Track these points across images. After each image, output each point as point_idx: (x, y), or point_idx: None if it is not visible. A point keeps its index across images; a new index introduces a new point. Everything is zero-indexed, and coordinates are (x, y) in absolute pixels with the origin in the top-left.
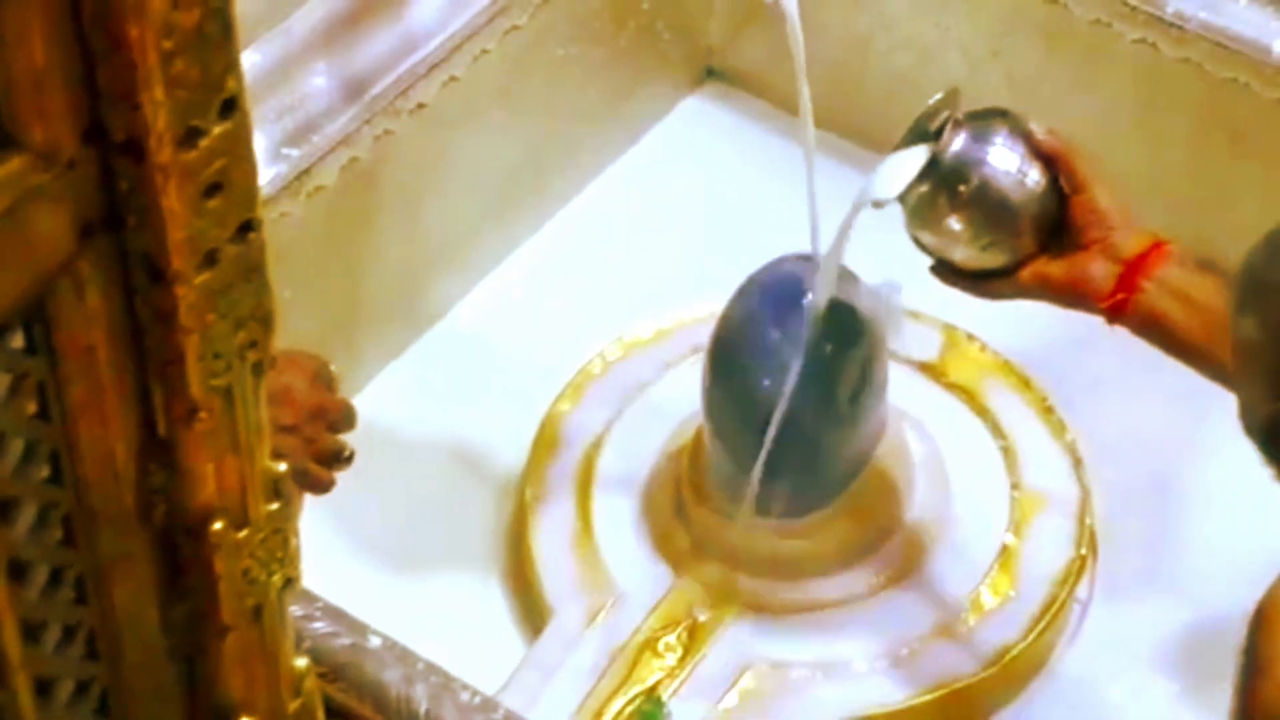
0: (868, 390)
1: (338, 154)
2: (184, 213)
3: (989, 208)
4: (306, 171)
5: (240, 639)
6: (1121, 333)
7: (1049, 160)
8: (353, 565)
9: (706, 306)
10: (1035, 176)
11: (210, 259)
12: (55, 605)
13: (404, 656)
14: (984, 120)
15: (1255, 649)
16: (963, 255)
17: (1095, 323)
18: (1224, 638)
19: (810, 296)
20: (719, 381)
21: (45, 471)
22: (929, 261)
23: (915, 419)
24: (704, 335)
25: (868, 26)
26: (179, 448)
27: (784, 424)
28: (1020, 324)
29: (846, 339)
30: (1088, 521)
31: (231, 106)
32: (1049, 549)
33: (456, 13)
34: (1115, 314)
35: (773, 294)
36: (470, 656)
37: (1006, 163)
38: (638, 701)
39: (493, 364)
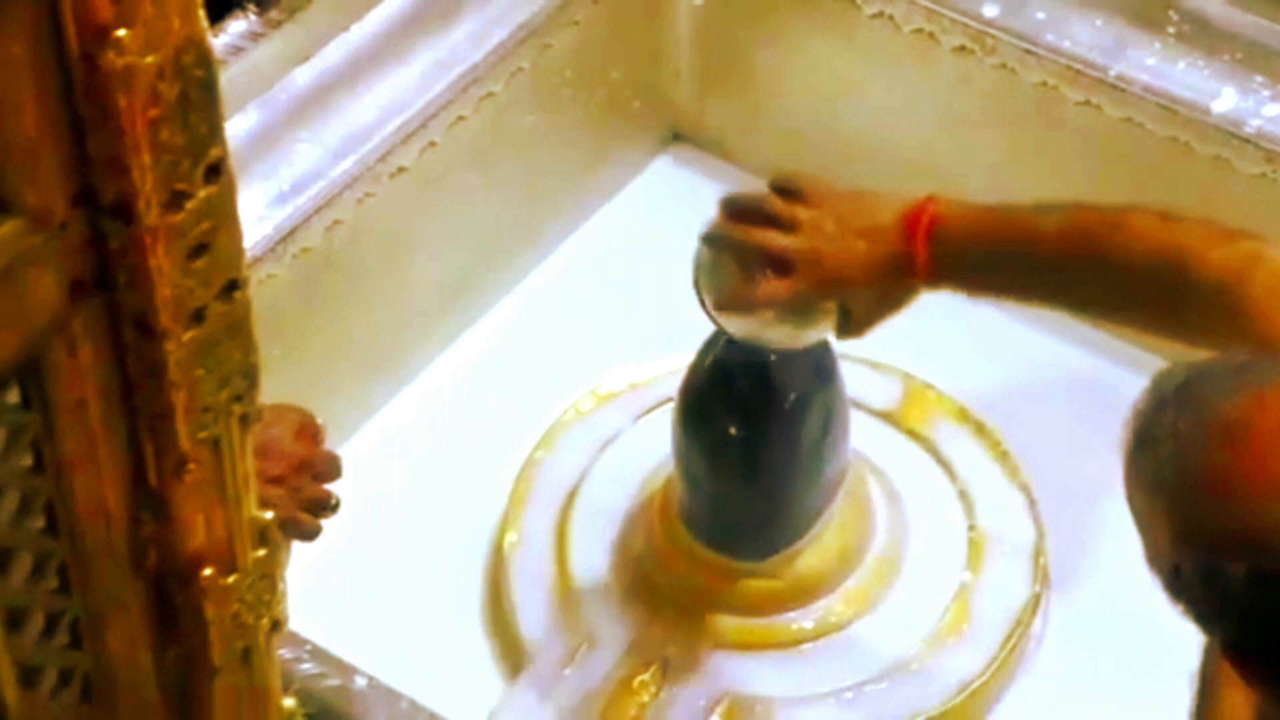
0: (830, 437)
1: (322, 216)
2: (172, 272)
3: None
4: (291, 234)
5: (230, 680)
6: (1072, 381)
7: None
8: (340, 609)
9: (675, 359)
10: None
11: (198, 317)
12: (51, 650)
13: (389, 696)
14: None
15: (1208, 675)
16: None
17: (1048, 372)
18: (1174, 670)
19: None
20: (688, 430)
21: (41, 522)
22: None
23: (876, 464)
24: (674, 387)
25: (828, 92)
26: (169, 498)
27: (751, 470)
28: (978, 372)
29: (810, 387)
30: (1042, 560)
31: (217, 171)
32: (1005, 586)
33: (434, 81)
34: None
35: (739, 344)
36: (453, 696)
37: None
38: None
39: (472, 415)
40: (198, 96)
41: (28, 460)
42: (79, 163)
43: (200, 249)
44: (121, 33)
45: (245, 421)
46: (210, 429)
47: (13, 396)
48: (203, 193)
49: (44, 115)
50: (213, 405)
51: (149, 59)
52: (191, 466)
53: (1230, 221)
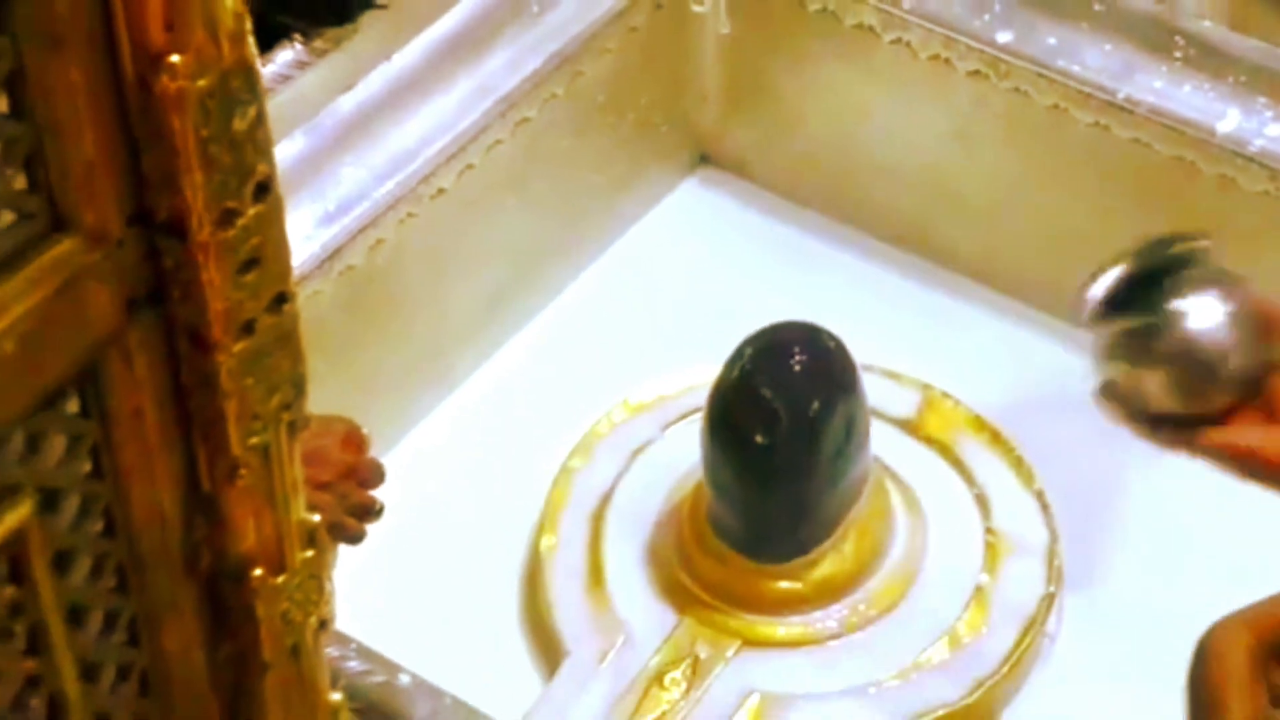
0: (852, 444)
1: (366, 236)
2: (223, 286)
3: (1184, 362)
4: (337, 252)
5: (280, 676)
6: (1085, 391)
7: (1259, 322)
8: (385, 610)
9: (703, 372)
10: (1236, 337)
11: (248, 328)
12: (110, 647)
13: (432, 693)
14: (1197, 274)
15: (1203, 688)
16: (1147, 398)
17: (1061, 381)
18: (1179, 668)
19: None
20: (716, 438)
21: (99, 525)
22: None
23: (896, 470)
24: (702, 398)
25: (849, 115)
26: (222, 502)
27: (776, 476)
28: (992, 382)
29: (832, 396)
30: (1056, 563)
31: (265, 189)
32: (1020, 587)
33: (472, 107)
34: None
35: (765, 356)
36: (492, 692)
37: (1210, 320)
38: None
39: (509, 426)
40: (247, 118)
41: (87, 467)
42: (134, 183)
43: (250, 264)
44: (175, 58)
45: (293, 428)
46: (260, 436)
47: (72, 406)
48: (252, 210)
49: (101, 138)
50: (262, 413)
51: (200, 82)
52: (243, 472)
53: (1235, 237)
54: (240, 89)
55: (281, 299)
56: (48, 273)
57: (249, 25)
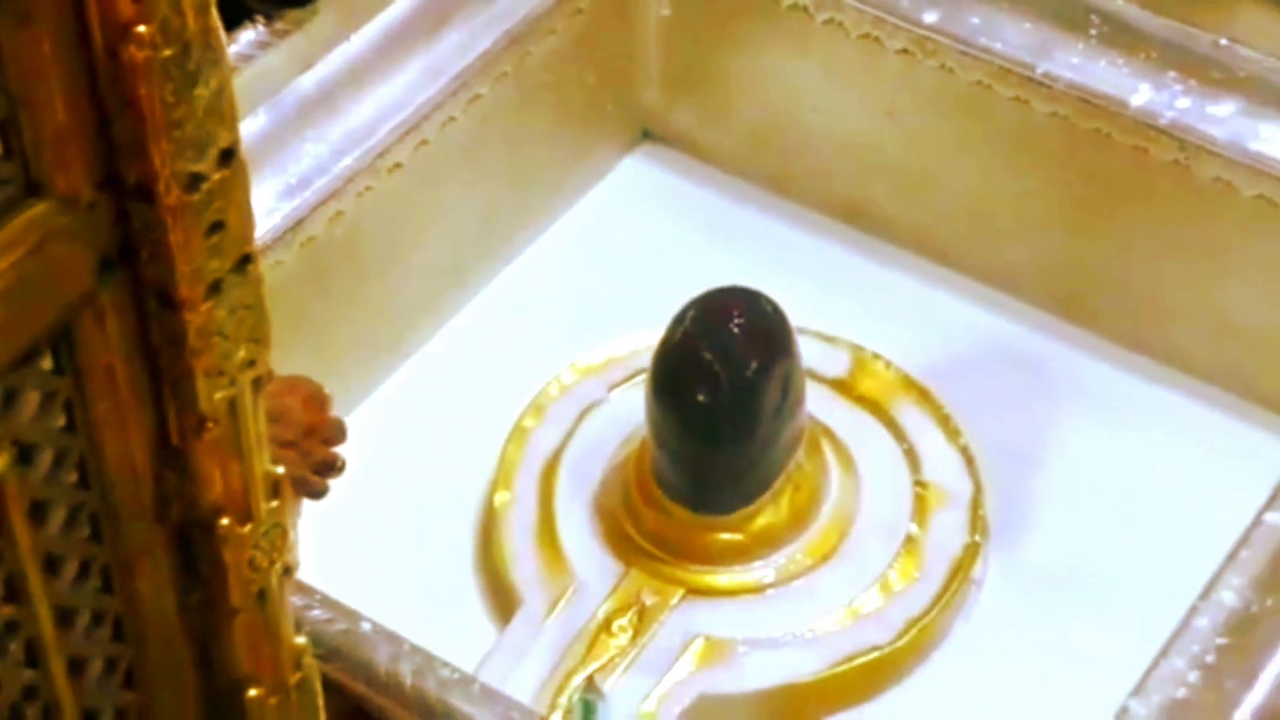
0: (788, 403)
1: (326, 208)
2: (190, 248)
3: None
4: (299, 224)
5: (247, 620)
6: (1006, 351)
7: None
8: (347, 562)
9: (647, 335)
10: None
11: (214, 288)
12: (84, 594)
13: (392, 639)
14: None
15: None
16: None
17: (986, 343)
18: (1098, 612)
19: (738, 319)
20: (660, 397)
21: (74, 477)
22: (844, 280)
23: (830, 427)
24: (647, 360)
25: (785, 91)
26: (190, 454)
27: (717, 434)
28: (922, 343)
29: (770, 358)
30: (981, 512)
31: (230, 155)
32: (948, 536)
33: (427, 85)
34: None
35: (705, 319)
36: (450, 640)
37: None
38: (578, 694)
39: (464, 389)
40: (211, 88)
41: (61, 421)
42: (104, 149)
43: (216, 226)
44: (141, 28)
45: (258, 384)
46: (227, 391)
47: (46, 363)
48: (217, 175)
49: (72, 107)
50: (228, 369)
51: (166, 52)
52: (210, 425)
53: (1148, 204)
54: (204, 58)
55: (246, 260)
56: (21, 235)
57: None
